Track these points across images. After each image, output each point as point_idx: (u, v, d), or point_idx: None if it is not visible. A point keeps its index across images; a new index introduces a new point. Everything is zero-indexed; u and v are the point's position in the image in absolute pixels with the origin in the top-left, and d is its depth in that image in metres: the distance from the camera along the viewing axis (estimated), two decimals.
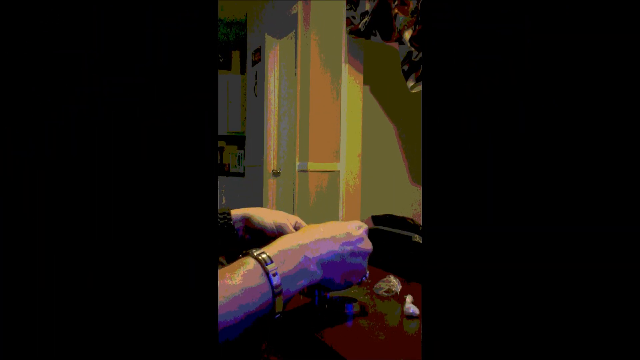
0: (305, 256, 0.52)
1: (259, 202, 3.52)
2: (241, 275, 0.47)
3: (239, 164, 4.66)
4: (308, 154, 2.63)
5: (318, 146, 2.61)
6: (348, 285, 0.58)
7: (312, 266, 0.53)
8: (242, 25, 4.34)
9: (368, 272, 0.60)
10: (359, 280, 0.59)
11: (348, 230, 0.57)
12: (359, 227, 0.59)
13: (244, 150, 4.18)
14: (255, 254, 0.49)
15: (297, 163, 2.75)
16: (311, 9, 2.60)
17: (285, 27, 3.14)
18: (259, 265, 0.48)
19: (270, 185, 3.40)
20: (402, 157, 2.88)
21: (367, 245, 0.58)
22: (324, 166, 2.60)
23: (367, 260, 0.58)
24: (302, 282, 0.52)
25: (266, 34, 3.40)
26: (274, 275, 0.48)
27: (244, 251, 0.51)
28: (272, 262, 0.49)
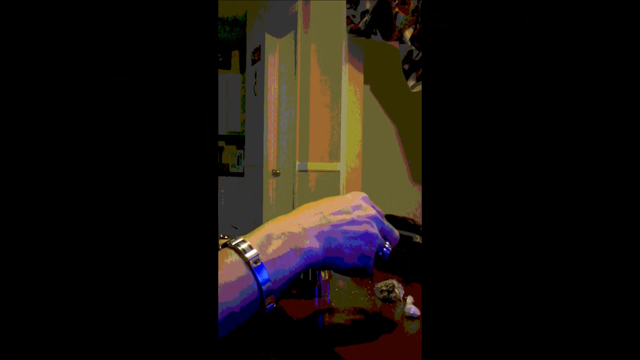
0: (295, 232, 0.45)
1: (258, 202, 3.52)
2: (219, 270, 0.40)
3: (238, 164, 4.66)
4: (308, 154, 2.63)
5: (318, 146, 2.61)
6: (362, 259, 0.49)
7: (306, 241, 0.45)
8: (241, 24, 4.34)
9: (389, 249, 0.52)
10: (376, 250, 0.50)
11: (345, 202, 0.50)
12: (357, 195, 0.52)
13: (244, 150, 4.18)
14: (233, 244, 0.43)
15: (297, 163, 2.75)
16: (311, 8, 2.60)
17: (285, 26, 3.13)
18: (237, 257, 0.42)
19: (270, 185, 3.40)
20: (402, 157, 2.88)
21: (368, 211, 0.50)
22: (324, 166, 2.60)
23: (376, 226, 0.50)
24: (296, 263, 0.44)
25: (266, 33, 3.40)
26: (256, 263, 0.41)
27: (223, 243, 0.45)
28: (252, 249, 0.42)
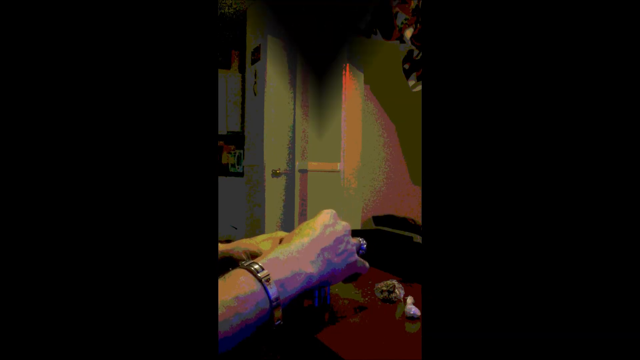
0: (297, 259, 0.53)
1: (258, 202, 3.51)
2: (234, 285, 0.46)
3: (238, 164, 4.66)
4: (308, 154, 2.62)
5: (318, 146, 2.60)
6: (351, 272, 0.59)
7: (306, 267, 0.53)
8: (242, 23, 4.34)
9: (364, 243, 0.62)
10: (355, 260, 0.60)
11: (322, 223, 0.58)
12: (327, 214, 0.60)
13: (244, 150, 4.18)
14: (245, 265, 0.49)
15: (297, 163, 2.75)
16: None
17: (286, 25, 3.13)
18: (251, 275, 0.47)
19: (270, 185, 3.40)
20: (402, 157, 2.88)
21: (341, 227, 0.59)
22: (324, 166, 2.60)
23: (349, 237, 0.60)
24: (298, 286, 0.51)
25: (266, 33, 3.39)
26: (267, 281, 0.47)
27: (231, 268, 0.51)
28: (263, 269, 0.48)
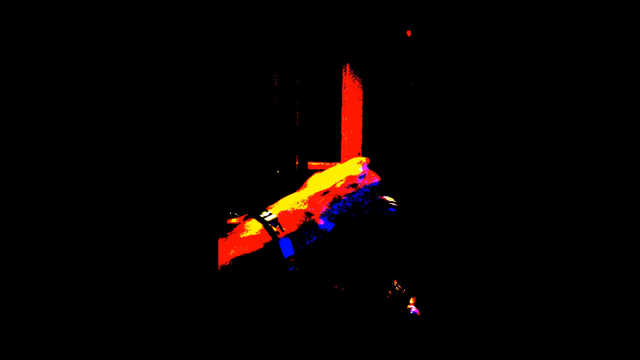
0: (309, 212, 0.53)
1: None
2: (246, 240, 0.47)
3: None
4: (308, 154, 2.62)
5: (318, 146, 2.60)
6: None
7: (319, 220, 0.52)
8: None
9: (391, 201, 0.57)
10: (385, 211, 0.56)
11: (348, 174, 0.56)
12: (358, 163, 0.57)
13: None
14: (262, 216, 0.50)
15: (297, 163, 2.74)
16: None
17: None
18: (264, 230, 0.48)
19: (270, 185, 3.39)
20: (402, 156, 2.87)
21: (371, 179, 0.56)
22: (324, 166, 2.60)
23: (376, 192, 0.55)
24: (311, 240, 0.51)
25: None
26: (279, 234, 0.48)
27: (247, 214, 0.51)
28: (278, 224, 0.49)
